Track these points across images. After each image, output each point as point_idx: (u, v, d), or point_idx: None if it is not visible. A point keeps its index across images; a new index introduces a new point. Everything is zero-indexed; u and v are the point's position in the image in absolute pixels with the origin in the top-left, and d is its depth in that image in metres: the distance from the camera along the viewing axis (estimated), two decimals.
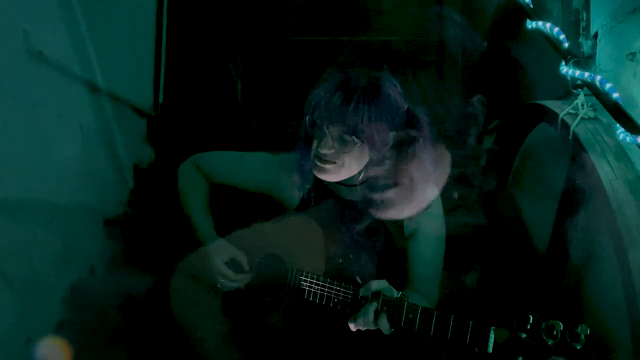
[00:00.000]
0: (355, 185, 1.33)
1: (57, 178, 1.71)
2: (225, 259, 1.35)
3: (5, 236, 1.46)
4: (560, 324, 0.97)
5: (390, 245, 1.35)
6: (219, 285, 1.36)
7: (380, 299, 1.14)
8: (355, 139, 1.22)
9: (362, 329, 1.16)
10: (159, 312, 1.52)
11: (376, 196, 1.31)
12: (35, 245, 1.59)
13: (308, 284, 1.26)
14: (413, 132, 1.28)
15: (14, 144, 1.49)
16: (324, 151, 1.24)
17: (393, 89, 1.27)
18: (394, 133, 1.27)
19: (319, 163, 1.26)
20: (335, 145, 1.23)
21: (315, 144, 1.27)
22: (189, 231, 1.43)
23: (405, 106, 1.29)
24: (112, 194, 2.11)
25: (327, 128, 1.23)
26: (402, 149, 1.28)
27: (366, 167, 1.28)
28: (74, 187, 1.79)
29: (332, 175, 1.27)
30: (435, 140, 1.32)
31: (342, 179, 1.29)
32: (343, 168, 1.26)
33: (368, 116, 1.21)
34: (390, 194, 1.32)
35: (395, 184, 1.30)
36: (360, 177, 1.30)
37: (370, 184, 1.31)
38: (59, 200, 1.71)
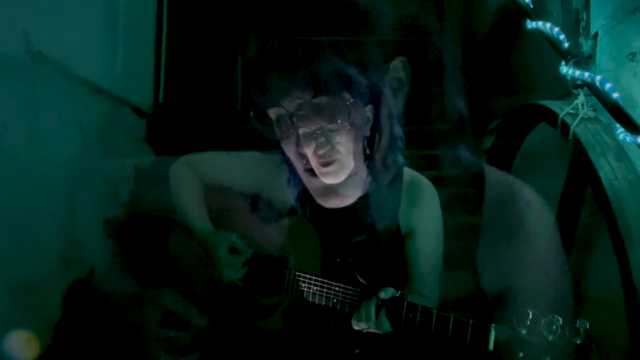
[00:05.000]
0: (349, 178, 1.32)
1: (57, 178, 1.71)
2: (227, 246, 1.35)
3: (5, 236, 1.46)
4: (560, 319, 0.97)
5: (387, 244, 1.35)
6: (222, 276, 1.35)
7: (379, 299, 1.14)
8: (341, 124, 1.23)
9: (364, 328, 1.16)
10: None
11: (375, 186, 1.33)
12: (35, 245, 1.59)
13: (307, 285, 1.26)
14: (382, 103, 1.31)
15: (14, 144, 1.49)
16: (321, 152, 1.24)
17: (348, 67, 1.28)
18: (371, 106, 1.29)
19: (323, 169, 1.25)
20: (330, 140, 1.24)
21: (309, 151, 1.25)
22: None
23: (366, 80, 1.30)
24: (112, 194, 2.11)
25: (314, 127, 1.22)
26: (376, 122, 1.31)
27: (357, 151, 1.29)
28: (74, 187, 1.79)
29: (339, 174, 1.27)
30: (400, 109, 1.34)
31: (347, 174, 1.29)
32: (343, 162, 1.26)
33: (342, 98, 1.22)
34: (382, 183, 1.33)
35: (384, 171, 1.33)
36: (353, 166, 1.31)
37: (363, 174, 1.32)
38: (59, 200, 1.71)
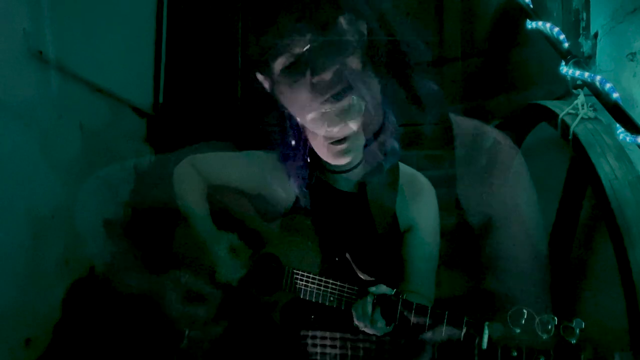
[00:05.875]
0: (352, 169, 1.32)
1: (57, 178, 1.71)
2: (226, 245, 1.36)
3: (5, 236, 1.46)
4: (555, 318, 0.97)
5: (384, 241, 1.35)
6: (218, 276, 1.36)
7: (375, 295, 1.14)
8: (354, 98, 1.18)
9: (361, 326, 1.16)
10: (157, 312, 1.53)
11: (373, 178, 1.32)
12: (35, 245, 1.59)
13: (304, 283, 1.27)
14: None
15: (14, 143, 1.49)
16: (336, 129, 1.19)
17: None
18: (377, 80, 1.26)
19: (336, 147, 1.22)
20: (345, 116, 1.18)
21: (320, 132, 1.21)
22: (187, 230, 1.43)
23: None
24: (112, 194, 2.11)
25: (327, 102, 1.16)
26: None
27: (365, 130, 1.26)
28: (74, 187, 1.79)
29: (350, 153, 1.24)
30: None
31: (355, 155, 1.26)
32: (356, 141, 1.24)
33: (351, 64, 1.18)
34: (383, 173, 1.33)
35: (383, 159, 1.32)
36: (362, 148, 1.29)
37: (368, 160, 1.31)
38: (59, 200, 1.71)
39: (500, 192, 1.89)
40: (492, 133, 2.00)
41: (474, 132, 2.06)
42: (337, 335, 1.31)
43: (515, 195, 1.87)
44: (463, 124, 2.11)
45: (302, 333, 1.33)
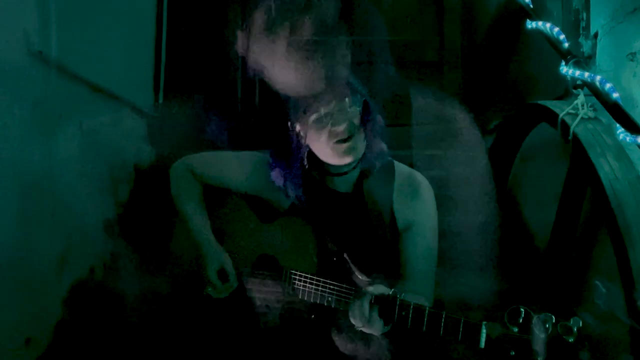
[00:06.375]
0: (350, 171, 1.32)
1: (57, 178, 1.71)
2: (217, 267, 1.36)
3: (5, 236, 1.46)
4: (553, 316, 0.97)
5: (383, 241, 1.35)
6: (208, 291, 1.37)
7: (373, 295, 1.14)
8: (352, 97, 1.23)
9: (359, 325, 1.15)
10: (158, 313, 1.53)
11: (368, 178, 1.33)
12: (35, 245, 1.59)
13: (302, 284, 1.27)
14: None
15: (14, 144, 1.50)
16: (341, 128, 1.22)
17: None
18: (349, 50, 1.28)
19: (343, 145, 1.24)
20: (346, 116, 1.22)
21: (324, 134, 1.24)
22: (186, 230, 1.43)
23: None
24: (112, 194, 2.12)
25: (331, 103, 1.21)
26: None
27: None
28: (74, 187, 1.79)
29: (356, 150, 1.26)
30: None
31: (361, 152, 1.27)
32: (359, 139, 1.25)
33: (325, 25, 1.23)
34: (379, 175, 1.33)
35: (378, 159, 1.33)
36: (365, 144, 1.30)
37: (364, 161, 1.32)
38: (59, 200, 1.71)
39: (453, 161, 2.02)
40: (449, 104, 2.11)
41: (431, 102, 2.16)
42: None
43: (468, 165, 1.98)
44: (421, 94, 2.20)
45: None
